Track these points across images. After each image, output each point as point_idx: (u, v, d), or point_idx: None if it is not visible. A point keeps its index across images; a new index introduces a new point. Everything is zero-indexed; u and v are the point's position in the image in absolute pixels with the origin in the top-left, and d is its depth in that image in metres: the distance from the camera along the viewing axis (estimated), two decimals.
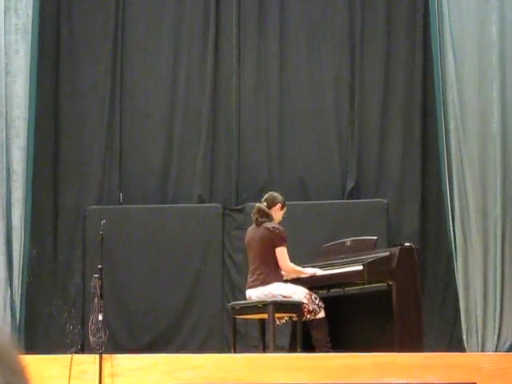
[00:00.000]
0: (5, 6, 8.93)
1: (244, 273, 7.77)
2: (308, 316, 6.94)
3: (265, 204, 7.13)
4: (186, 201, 9.26)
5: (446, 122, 8.80)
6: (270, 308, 6.76)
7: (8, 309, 8.58)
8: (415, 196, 9.07)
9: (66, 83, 9.41)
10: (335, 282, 7.17)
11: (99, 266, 6.63)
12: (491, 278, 8.49)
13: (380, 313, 7.05)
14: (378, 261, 6.86)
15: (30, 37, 9.01)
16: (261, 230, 7.03)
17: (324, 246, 7.74)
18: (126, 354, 6.60)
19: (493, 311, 8.46)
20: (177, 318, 8.90)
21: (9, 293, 8.61)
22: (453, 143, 8.73)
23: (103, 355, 6.18)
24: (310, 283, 7.12)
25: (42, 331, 8.93)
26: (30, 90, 8.98)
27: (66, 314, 8.92)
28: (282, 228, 7.01)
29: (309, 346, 6.92)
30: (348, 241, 7.54)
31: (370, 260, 6.84)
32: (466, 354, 7.84)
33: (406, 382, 5.81)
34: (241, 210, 9.01)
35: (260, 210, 7.09)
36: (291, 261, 7.05)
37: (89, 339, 6.63)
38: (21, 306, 8.74)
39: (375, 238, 7.41)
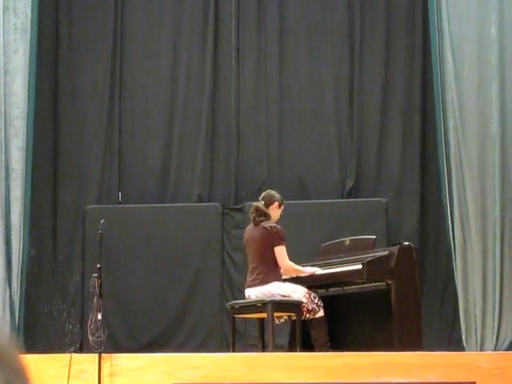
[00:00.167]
0: (4, 5, 8.93)
1: (243, 272, 7.77)
2: (307, 315, 6.95)
3: (262, 202, 7.12)
4: (185, 200, 9.27)
5: (445, 122, 8.80)
6: (269, 307, 6.76)
7: (7, 308, 8.58)
8: (414, 195, 9.07)
9: (65, 82, 9.41)
10: (334, 281, 7.17)
11: (98, 266, 6.62)
12: (490, 278, 8.50)
13: (379, 312, 7.05)
14: (377, 260, 6.86)
15: (28, 36, 9.01)
16: (259, 229, 7.03)
17: (323, 245, 7.74)
18: (125, 353, 6.60)
19: (492, 311, 8.46)
20: (176, 317, 8.90)
21: (8, 292, 8.61)
22: (452, 143, 8.73)
23: (102, 355, 6.18)
24: (309, 282, 7.12)
25: (41, 331, 8.93)
26: (28, 90, 8.98)
27: (65, 314, 8.92)
28: (279, 227, 7.01)
29: (308, 346, 6.92)
30: (347, 240, 7.54)
31: (369, 259, 6.84)
32: (465, 353, 7.84)
33: (405, 381, 5.81)
34: (240, 210, 9.00)
35: (257, 209, 7.08)
36: (290, 260, 7.05)
37: (88, 338, 6.63)
38: (20, 305, 8.74)
39: (374, 237, 7.41)
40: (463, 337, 8.48)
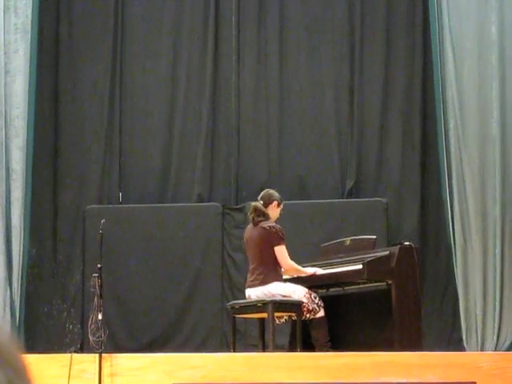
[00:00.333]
0: (4, 5, 8.94)
1: (243, 272, 7.77)
2: (307, 315, 6.94)
3: (261, 202, 7.11)
4: (185, 200, 9.27)
5: (446, 122, 8.80)
6: (270, 307, 6.76)
7: (7, 308, 8.59)
8: (415, 195, 9.07)
9: (65, 82, 9.41)
10: (335, 281, 7.17)
11: (99, 266, 6.62)
12: (491, 278, 8.50)
13: (379, 312, 7.05)
14: (378, 260, 6.86)
15: (29, 36, 9.01)
16: (258, 229, 7.02)
17: (323, 245, 7.74)
18: (125, 353, 6.60)
19: (492, 311, 8.46)
20: (176, 317, 8.90)
21: (8, 292, 8.61)
22: (452, 142, 8.73)
23: (103, 354, 6.18)
24: (310, 282, 7.12)
25: (41, 330, 8.93)
26: (29, 90, 8.99)
27: (65, 314, 8.92)
28: (278, 226, 7.00)
29: (308, 345, 6.92)
30: (347, 240, 7.54)
31: (369, 259, 6.84)
32: (466, 353, 7.84)
33: (405, 381, 5.81)
34: (240, 210, 9.00)
35: (256, 209, 7.07)
36: (291, 259, 7.05)
37: (88, 338, 6.63)
38: (20, 305, 8.74)
39: (374, 237, 7.41)
40: (463, 337, 8.48)
